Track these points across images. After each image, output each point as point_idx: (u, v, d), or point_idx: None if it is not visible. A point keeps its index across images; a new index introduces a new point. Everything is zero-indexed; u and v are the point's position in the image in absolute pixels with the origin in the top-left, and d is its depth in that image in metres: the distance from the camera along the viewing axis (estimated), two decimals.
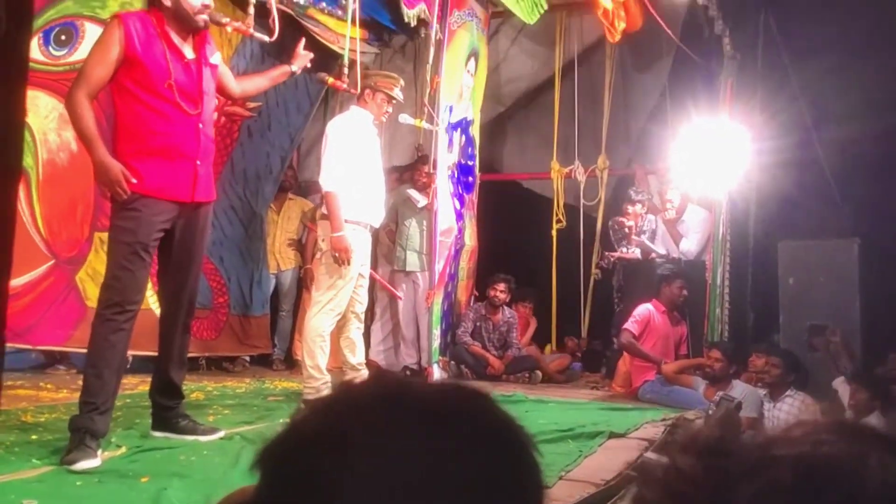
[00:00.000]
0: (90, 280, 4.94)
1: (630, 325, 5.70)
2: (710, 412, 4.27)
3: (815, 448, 0.58)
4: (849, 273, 5.75)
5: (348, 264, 4.37)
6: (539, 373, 6.32)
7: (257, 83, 4.00)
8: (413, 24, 6.03)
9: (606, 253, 6.93)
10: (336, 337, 4.61)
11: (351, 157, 4.46)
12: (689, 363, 5.64)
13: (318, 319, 4.44)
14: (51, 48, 4.79)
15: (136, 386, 4.61)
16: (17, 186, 0.94)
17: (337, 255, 4.33)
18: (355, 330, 4.70)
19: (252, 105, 6.19)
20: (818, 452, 0.58)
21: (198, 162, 3.29)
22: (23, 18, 0.91)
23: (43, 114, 4.75)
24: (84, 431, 2.98)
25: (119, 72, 3.13)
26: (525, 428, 0.67)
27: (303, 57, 3.96)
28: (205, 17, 3.28)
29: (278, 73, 3.95)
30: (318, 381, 4.42)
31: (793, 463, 0.57)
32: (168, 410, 3.49)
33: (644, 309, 5.76)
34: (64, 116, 4.76)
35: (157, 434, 3.46)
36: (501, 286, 6.45)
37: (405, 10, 5.87)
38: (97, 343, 3.10)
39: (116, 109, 3.20)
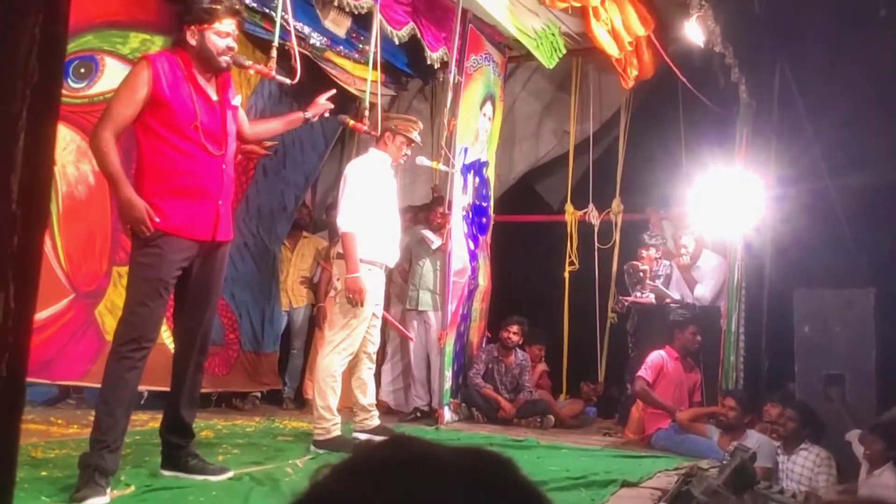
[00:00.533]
0: (109, 314, 4.96)
1: (643, 372, 5.66)
2: (725, 462, 4.20)
3: None
4: (865, 323, 5.69)
5: (362, 305, 4.37)
6: (552, 417, 6.24)
7: (271, 127, 4.05)
8: (437, 66, 6.12)
9: (621, 297, 6.91)
10: (347, 377, 4.60)
11: (368, 198, 4.49)
12: (704, 411, 5.58)
13: (331, 359, 4.43)
14: (70, 81, 4.85)
15: (147, 422, 4.60)
16: (44, 232, 0.95)
17: (351, 295, 4.34)
18: (367, 370, 4.69)
19: (268, 143, 6.23)
20: None
21: (220, 202, 3.33)
22: (55, 68, 0.93)
23: (61, 146, 4.80)
24: (94, 469, 2.98)
25: (145, 112, 3.17)
26: (547, 496, 0.66)
27: (321, 106, 3.99)
28: (227, 58, 3.34)
29: (293, 119, 4.00)
30: (329, 421, 4.39)
31: None
32: (178, 449, 3.48)
33: (657, 356, 5.73)
34: (82, 149, 4.82)
35: (167, 473, 3.44)
36: (514, 328, 6.41)
37: (428, 52, 5.97)
38: (111, 380, 3.11)
39: (141, 148, 3.24)
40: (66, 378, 4.90)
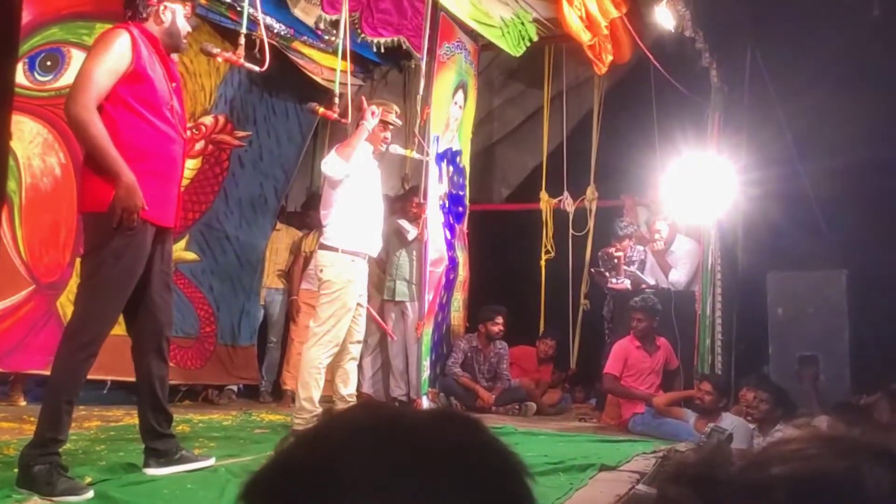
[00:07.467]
0: (71, 305, 4.88)
1: (610, 367, 5.68)
2: (702, 444, 4.23)
3: (807, 464, 0.57)
4: (837, 304, 5.76)
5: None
6: (533, 405, 6.26)
7: None
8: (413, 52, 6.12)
9: (593, 270, 6.89)
10: (329, 367, 4.58)
11: (346, 187, 4.50)
12: (680, 395, 5.61)
13: (315, 351, 4.43)
14: (36, 74, 4.79)
15: (122, 418, 4.55)
16: (1, 208, 0.92)
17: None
18: (350, 361, 4.69)
19: (241, 134, 6.20)
20: (811, 468, 0.57)
21: (178, 187, 3.25)
22: (8, 44, 0.90)
23: (27, 139, 4.75)
24: (56, 466, 2.83)
25: (119, 85, 2.95)
26: (517, 455, 0.66)
27: None
28: (186, 40, 3.28)
29: None
30: (310, 413, 4.41)
31: (786, 484, 0.56)
32: (165, 439, 3.30)
33: (619, 347, 5.74)
34: (48, 141, 4.76)
35: (157, 472, 3.26)
36: (500, 319, 6.43)
37: (415, 54, 5.95)
38: (74, 375, 2.95)
39: (115, 125, 2.95)
40: (26, 368, 4.83)
